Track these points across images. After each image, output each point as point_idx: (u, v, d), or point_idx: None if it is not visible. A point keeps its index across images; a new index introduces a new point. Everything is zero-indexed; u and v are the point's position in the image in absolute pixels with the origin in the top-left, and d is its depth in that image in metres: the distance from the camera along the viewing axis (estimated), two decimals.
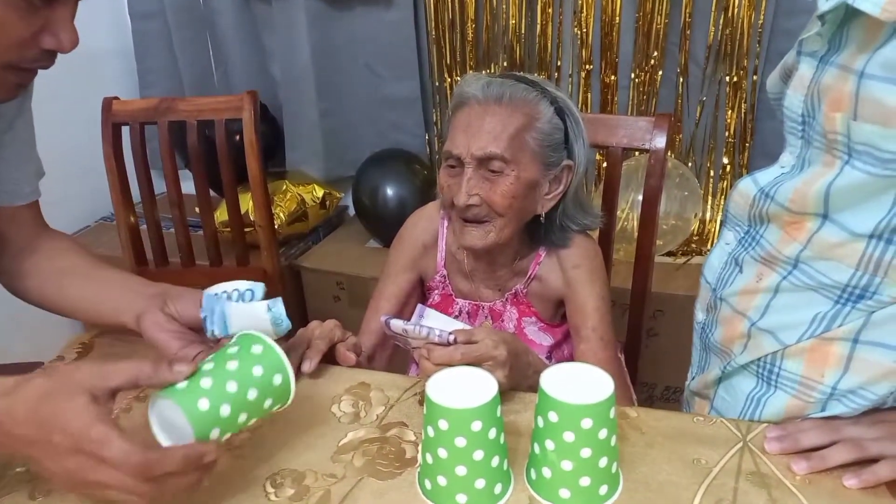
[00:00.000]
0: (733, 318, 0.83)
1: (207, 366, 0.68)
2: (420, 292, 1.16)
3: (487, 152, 0.91)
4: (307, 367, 0.87)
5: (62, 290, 0.93)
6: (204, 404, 0.64)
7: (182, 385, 0.66)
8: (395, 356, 1.13)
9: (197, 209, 1.69)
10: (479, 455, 0.66)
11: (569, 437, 0.65)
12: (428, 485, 0.69)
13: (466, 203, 0.93)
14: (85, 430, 0.58)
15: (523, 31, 1.86)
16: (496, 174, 0.92)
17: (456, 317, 1.10)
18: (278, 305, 0.80)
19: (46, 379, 0.61)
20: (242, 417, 0.67)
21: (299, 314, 2.03)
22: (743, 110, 1.76)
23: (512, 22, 1.85)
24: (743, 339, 0.82)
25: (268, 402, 0.69)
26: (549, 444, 0.66)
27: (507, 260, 1.06)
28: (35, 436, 0.60)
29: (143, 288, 0.89)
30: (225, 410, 0.65)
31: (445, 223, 1.10)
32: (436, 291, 1.12)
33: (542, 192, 0.97)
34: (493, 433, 0.66)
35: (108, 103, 1.58)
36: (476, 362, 0.79)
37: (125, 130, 1.60)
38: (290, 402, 0.71)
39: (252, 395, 0.67)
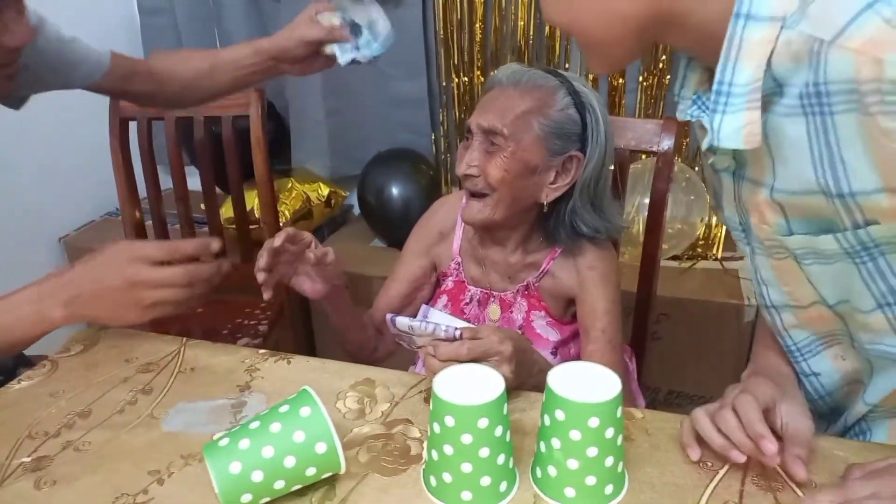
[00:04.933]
0: None
1: (254, 424, 0.67)
2: (432, 280, 1.18)
3: (490, 125, 0.96)
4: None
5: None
6: (236, 468, 0.64)
7: (224, 442, 0.66)
8: (397, 351, 1.12)
9: (202, 205, 1.69)
10: (485, 452, 0.65)
11: (575, 435, 0.65)
12: (433, 481, 0.69)
13: (465, 172, 0.98)
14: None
15: (531, 33, 1.86)
16: (496, 147, 0.96)
17: (467, 304, 1.11)
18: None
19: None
20: (279, 484, 0.66)
21: (302, 314, 2.03)
22: None
23: (520, 23, 1.85)
24: None
25: (311, 471, 0.67)
26: (556, 443, 0.66)
27: (515, 245, 1.07)
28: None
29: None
30: (257, 476, 0.65)
31: None
32: (450, 278, 1.13)
33: (547, 180, 0.98)
34: (499, 430, 0.66)
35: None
36: (482, 357, 0.80)
37: (132, 125, 1.60)
38: (342, 469, 0.69)
39: (290, 462, 0.66)
